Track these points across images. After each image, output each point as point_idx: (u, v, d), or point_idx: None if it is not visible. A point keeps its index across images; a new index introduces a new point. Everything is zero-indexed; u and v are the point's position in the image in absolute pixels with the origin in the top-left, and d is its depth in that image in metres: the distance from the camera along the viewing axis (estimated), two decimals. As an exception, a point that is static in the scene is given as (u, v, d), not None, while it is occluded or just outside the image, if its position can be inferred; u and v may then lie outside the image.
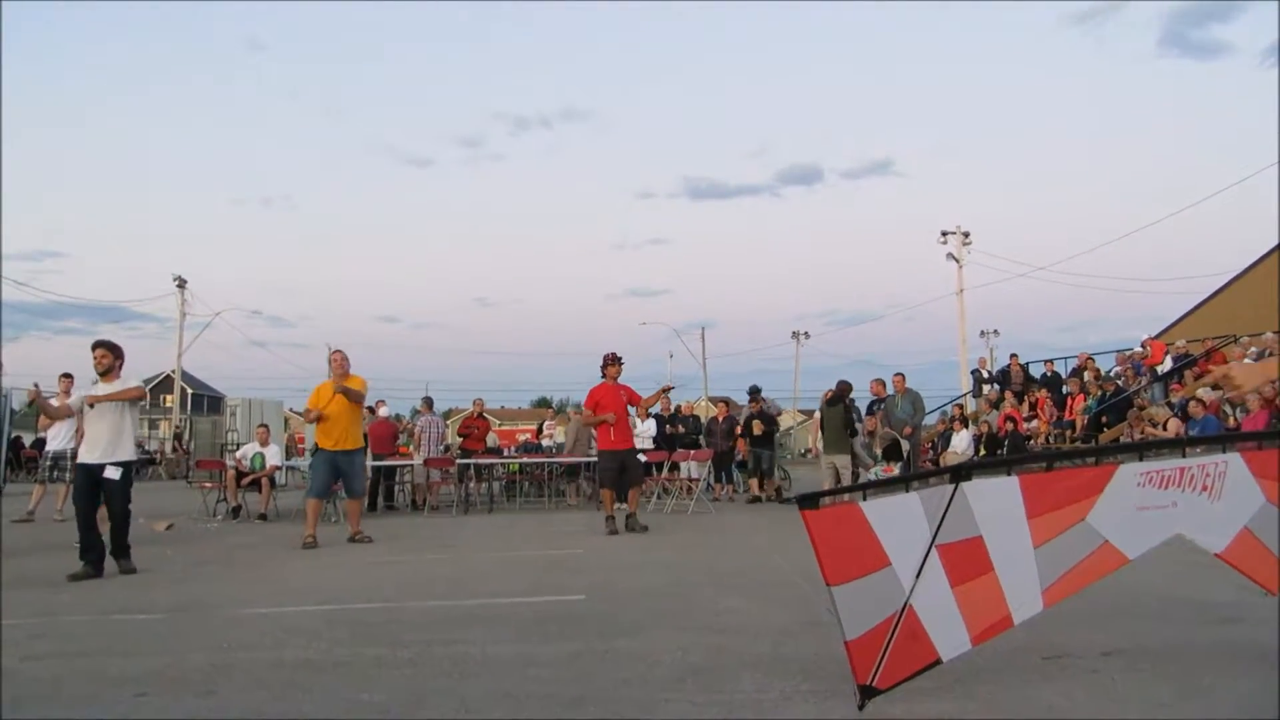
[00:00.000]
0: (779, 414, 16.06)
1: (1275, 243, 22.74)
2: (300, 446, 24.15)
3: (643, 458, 11.25)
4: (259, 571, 7.44)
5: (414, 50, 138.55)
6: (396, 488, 15.18)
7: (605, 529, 9.75)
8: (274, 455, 13.52)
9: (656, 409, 15.68)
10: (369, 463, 14.12)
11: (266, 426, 14.64)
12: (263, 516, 12.46)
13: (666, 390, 11.79)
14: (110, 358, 7.35)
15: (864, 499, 3.11)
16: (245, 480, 13.08)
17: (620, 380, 10.39)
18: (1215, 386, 14.88)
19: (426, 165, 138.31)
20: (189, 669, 4.04)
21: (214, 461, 16.05)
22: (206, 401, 57.50)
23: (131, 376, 7.50)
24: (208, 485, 13.99)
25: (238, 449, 16.07)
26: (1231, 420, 12.82)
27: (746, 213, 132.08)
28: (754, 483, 15.42)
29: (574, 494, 15.02)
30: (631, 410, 10.98)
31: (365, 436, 14.29)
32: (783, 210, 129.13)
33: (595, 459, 15.03)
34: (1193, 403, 13.17)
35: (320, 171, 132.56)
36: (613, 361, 10.35)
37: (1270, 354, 14.79)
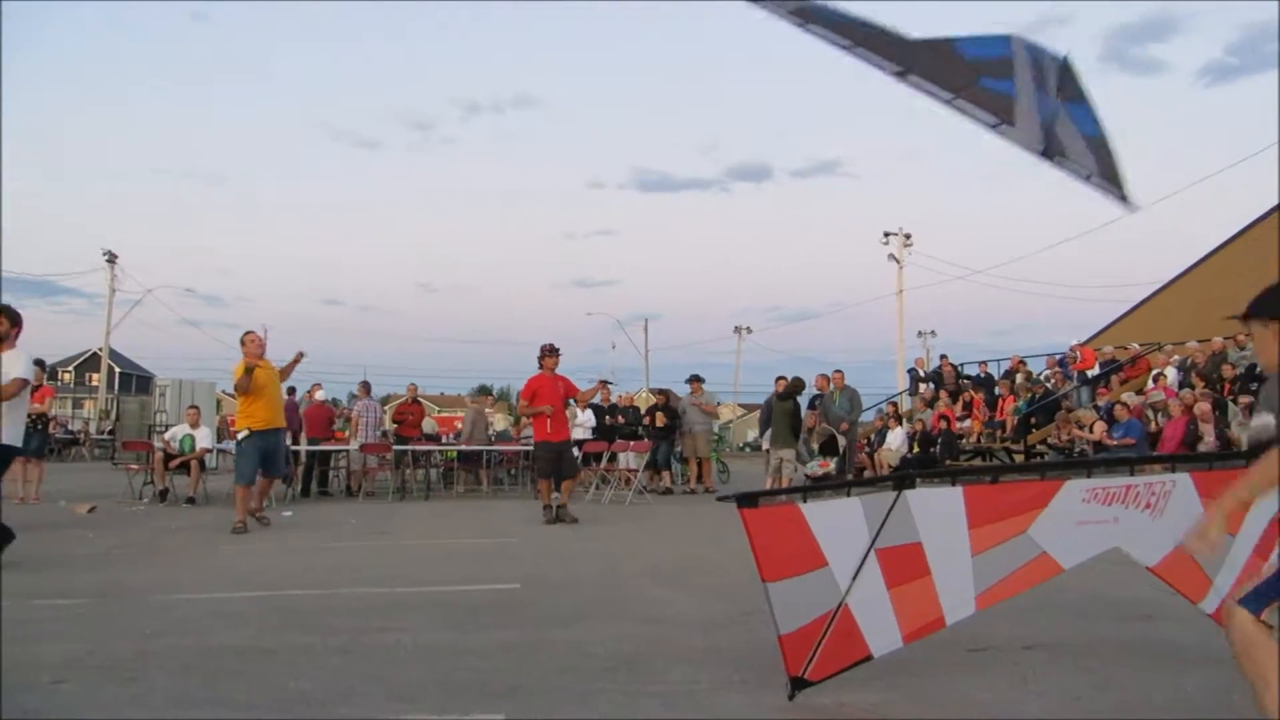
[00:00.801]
0: (717, 405, 16.12)
1: (1201, 255, 23.54)
2: (233, 430, 23.64)
3: (577, 452, 11.24)
4: (186, 556, 7.28)
5: (368, 31, 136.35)
6: (331, 473, 14.95)
7: (543, 519, 9.74)
8: (204, 438, 13.19)
9: (596, 399, 15.66)
10: (304, 447, 13.94)
11: (197, 408, 14.27)
12: (191, 500, 12.17)
13: (603, 385, 11.74)
14: (5, 324, 6.61)
15: (804, 501, 3.14)
16: (174, 463, 12.75)
17: (559, 371, 10.38)
18: (1139, 391, 15.37)
19: (375, 147, 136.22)
20: (110, 656, 3.94)
21: (141, 443, 15.63)
22: (135, 381, 55.97)
23: (21, 356, 6.63)
24: (134, 467, 13.63)
25: (166, 430, 15.67)
26: (1153, 424, 13.24)
27: (695, 207, 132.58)
28: (649, 474, 15.33)
29: (464, 481, 14.99)
30: (570, 401, 10.96)
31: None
32: (731, 206, 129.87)
33: (495, 449, 15.12)
34: (1118, 406, 13.57)
35: (265, 149, 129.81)
36: (550, 353, 10.30)
37: (1192, 362, 15.33)
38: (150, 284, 40.25)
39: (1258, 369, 13.19)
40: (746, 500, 3.10)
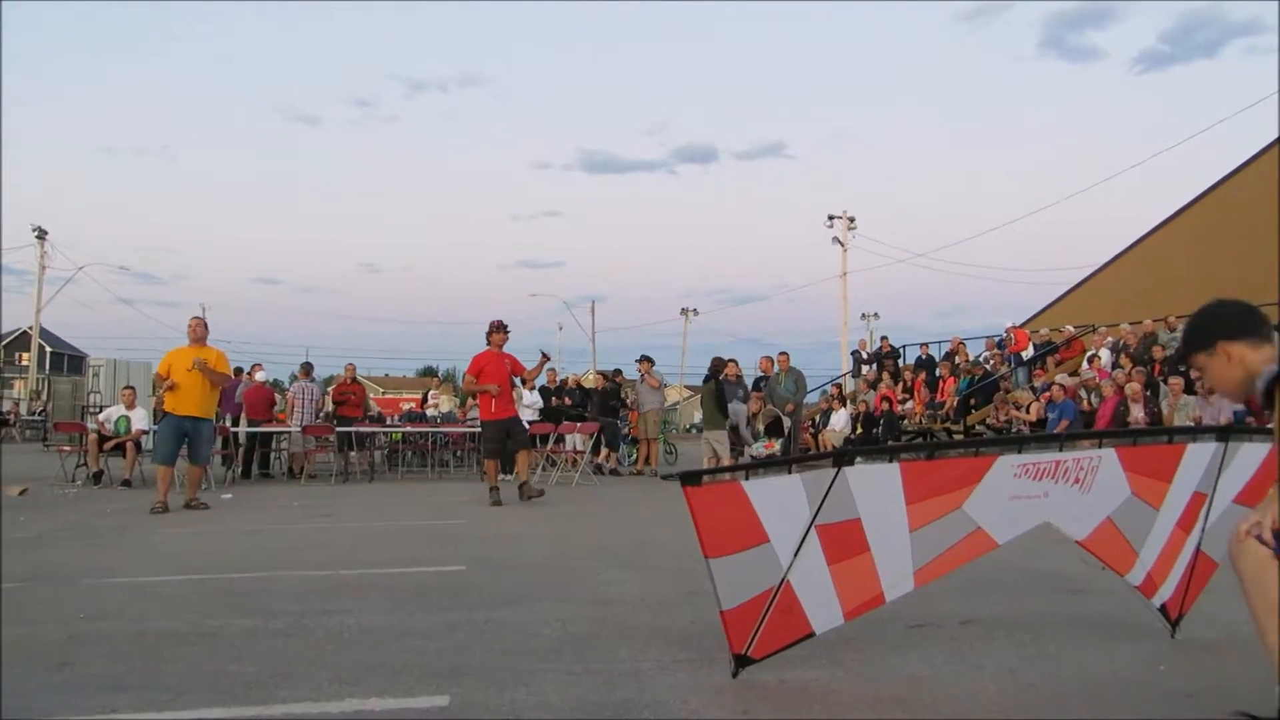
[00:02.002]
0: (664, 386, 16.16)
1: (1134, 239, 24.16)
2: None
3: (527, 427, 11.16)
4: (122, 540, 7.11)
5: (309, 4, 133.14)
6: (272, 455, 14.71)
7: (489, 500, 9.69)
8: (140, 419, 12.88)
9: (543, 379, 15.60)
10: (244, 429, 13.68)
11: (133, 388, 13.93)
12: (126, 483, 11.89)
13: (545, 358, 11.59)
14: None
15: (746, 478, 3.17)
16: (108, 444, 12.45)
17: (505, 350, 10.27)
18: (1073, 373, 15.74)
19: (315, 123, 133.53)
20: (42, 641, 3.85)
21: (74, 424, 15.23)
22: (67, 361, 54.36)
23: None
24: (66, 449, 13.29)
25: (100, 411, 15.27)
26: (1086, 404, 13.59)
27: (642, 188, 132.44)
28: (599, 454, 15.37)
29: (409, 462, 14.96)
30: (517, 381, 10.87)
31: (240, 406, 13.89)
32: (677, 188, 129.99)
33: (440, 430, 15.02)
34: (1054, 387, 13.91)
35: (202, 122, 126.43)
36: (498, 329, 10.14)
37: (1124, 343, 15.74)
38: (82, 261, 39.09)
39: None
40: (690, 478, 3.11)
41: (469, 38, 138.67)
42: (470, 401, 15.90)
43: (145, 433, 12.69)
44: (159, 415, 10.81)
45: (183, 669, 3.46)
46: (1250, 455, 3.76)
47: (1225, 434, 3.70)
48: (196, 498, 9.36)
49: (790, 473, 3.20)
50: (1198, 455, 3.65)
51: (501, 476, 10.01)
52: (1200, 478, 3.68)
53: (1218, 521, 3.79)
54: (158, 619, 4.28)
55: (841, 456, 3.22)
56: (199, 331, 9.55)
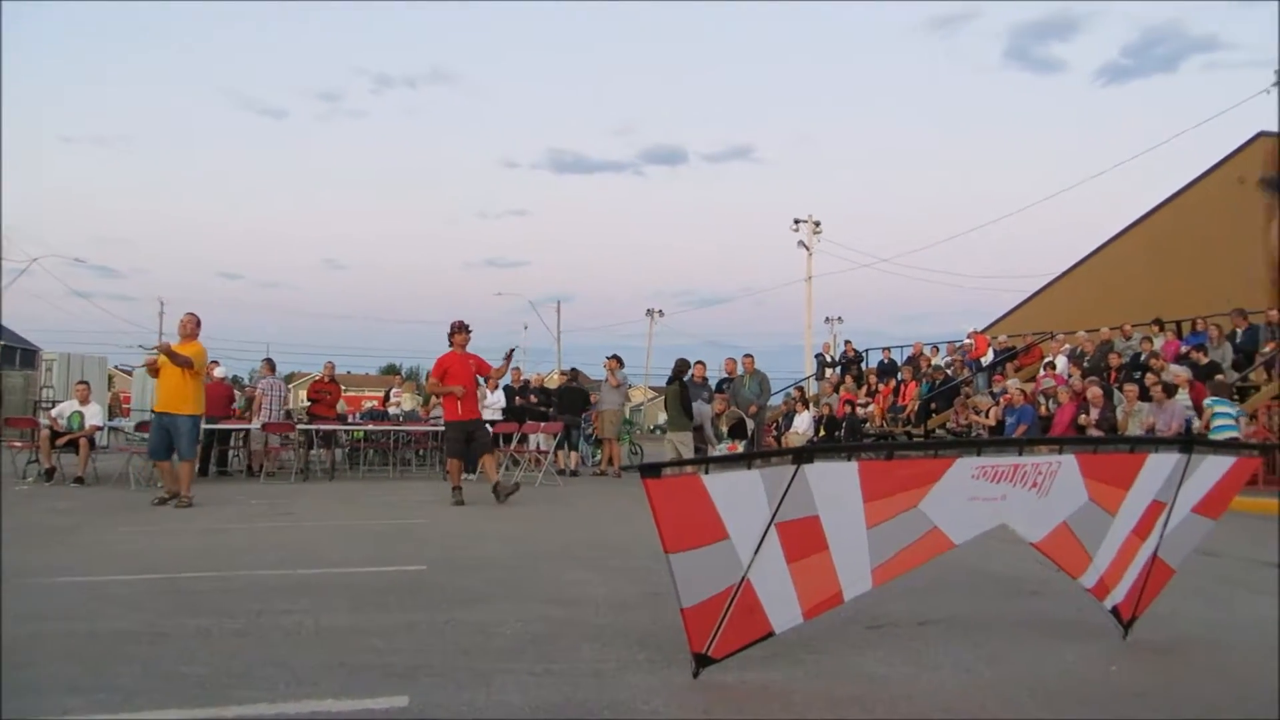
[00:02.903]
0: (625, 386, 16.17)
1: (1092, 248, 24.57)
2: (125, 406, 22.71)
3: (490, 429, 11.11)
4: (74, 538, 6.98)
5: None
6: (231, 452, 14.51)
7: (451, 500, 9.64)
8: (94, 415, 12.63)
9: (507, 379, 15.54)
10: (202, 425, 13.46)
11: (87, 383, 13.65)
12: (80, 480, 11.68)
13: (510, 355, 11.47)
14: None
15: (706, 472, 3.17)
16: (61, 440, 12.21)
17: (470, 349, 10.22)
18: (1031, 378, 15.96)
19: (280, 116, 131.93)
20: (-10, 640, 3.76)
21: (26, 420, 14.91)
22: (19, 354, 53.17)
23: None
24: (17, 445, 13.02)
25: (53, 407, 14.96)
26: (1044, 409, 13.80)
27: (609, 189, 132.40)
28: (560, 455, 15.31)
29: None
30: (481, 381, 10.82)
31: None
32: (645, 189, 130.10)
33: (403, 429, 14.94)
34: (1013, 391, 14.10)
35: (164, 114, 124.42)
36: (460, 329, 10.08)
37: (1081, 350, 16.01)
38: (36, 252, 38.27)
39: (1142, 357, 13.88)
40: (650, 470, 3.11)
41: (438, 35, 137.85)
42: (434, 400, 15.79)
43: (100, 428, 12.45)
44: (114, 412, 10.73)
45: (136, 670, 3.40)
46: (1212, 467, 3.84)
47: (1189, 446, 3.77)
48: (180, 494, 9.24)
49: (750, 468, 3.21)
50: (1159, 465, 3.72)
51: (465, 476, 9.96)
52: (1160, 487, 3.75)
53: (1176, 530, 3.87)
54: (111, 619, 4.21)
55: (801, 454, 3.23)
56: (189, 328, 9.58)
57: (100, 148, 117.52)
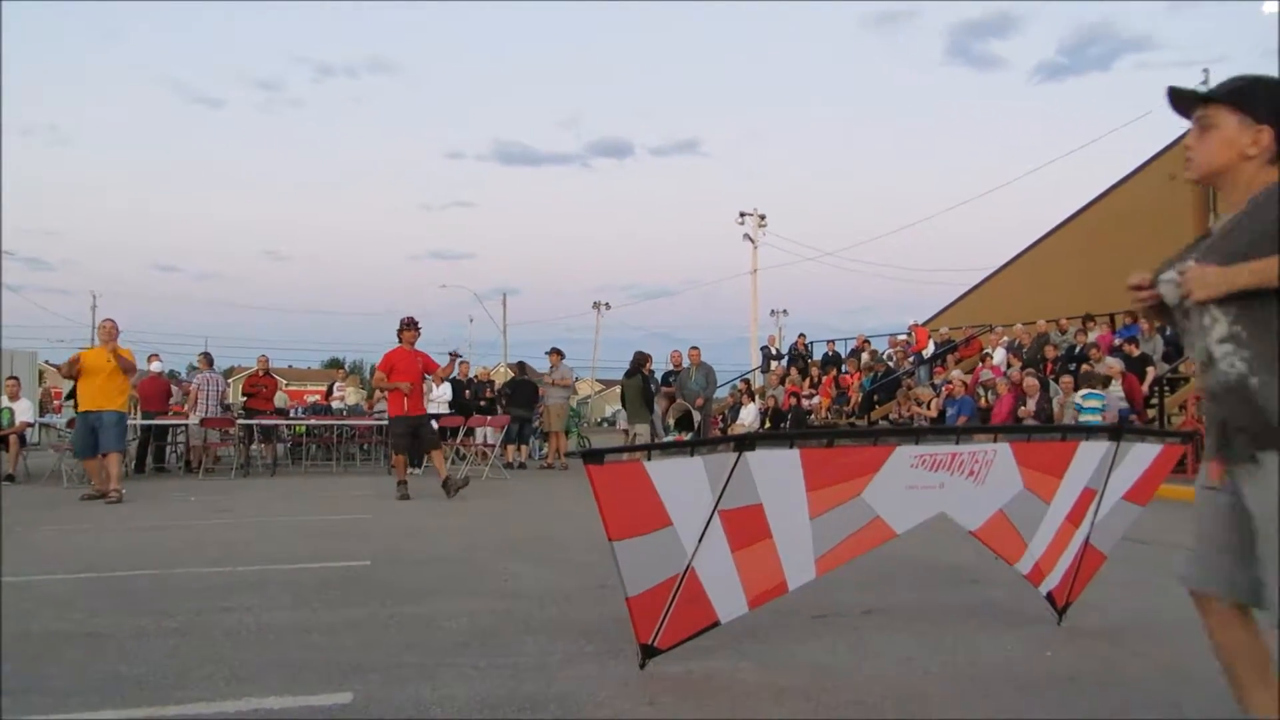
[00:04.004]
0: (574, 380, 16.17)
1: (1028, 243, 25.11)
2: (56, 403, 22.07)
3: (435, 424, 11.03)
4: (6, 537, 6.77)
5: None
6: (168, 448, 14.18)
7: (396, 494, 9.56)
8: (25, 411, 12.28)
9: (455, 373, 15.41)
10: (138, 420, 13.14)
11: (17, 379, 13.26)
12: (10, 478, 11.34)
13: (454, 357, 11.57)
14: None
15: (649, 459, 3.16)
16: (-11, 437, 11.84)
17: (416, 346, 10.18)
18: (969, 370, 16.29)
19: (217, 105, 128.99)
20: (-87, 644, 3.64)
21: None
22: (-57, 349, 51.35)
23: None
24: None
25: (-19, 403, 14.48)
26: (983, 401, 14.08)
27: (556, 181, 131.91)
28: (510, 449, 15.24)
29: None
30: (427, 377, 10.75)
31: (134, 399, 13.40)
32: (591, 181, 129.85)
33: (346, 423, 14.78)
34: (953, 383, 14.37)
35: (97, 101, 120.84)
36: (409, 326, 10.09)
37: (1019, 343, 16.37)
38: (-39, 243, 36.96)
39: (1077, 349, 14.23)
40: (593, 457, 3.09)
41: (380, 24, 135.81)
42: (378, 394, 15.59)
43: (30, 425, 12.09)
44: (45, 408, 10.52)
45: (70, 670, 3.32)
46: (1141, 454, 3.95)
47: (1117, 434, 3.87)
48: (108, 490, 9.21)
49: (692, 455, 3.21)
50: (1090, 453, 3.82)
51: (412, 471, 9.88)
52: (1091, 474, 3.85)
53: (1106, 516, 3.98)
54: (43, 619, 4.10)
55: (743, 441, 3.24)
56: (113, 332, 9.66)
57: (27, 137, 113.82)
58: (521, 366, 16.73)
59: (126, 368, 9.56)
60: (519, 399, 15.55)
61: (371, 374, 11.51)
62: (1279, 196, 2.07)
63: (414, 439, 9.98)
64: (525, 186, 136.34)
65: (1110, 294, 18.26)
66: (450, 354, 11.38)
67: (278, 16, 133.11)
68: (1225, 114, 2.18)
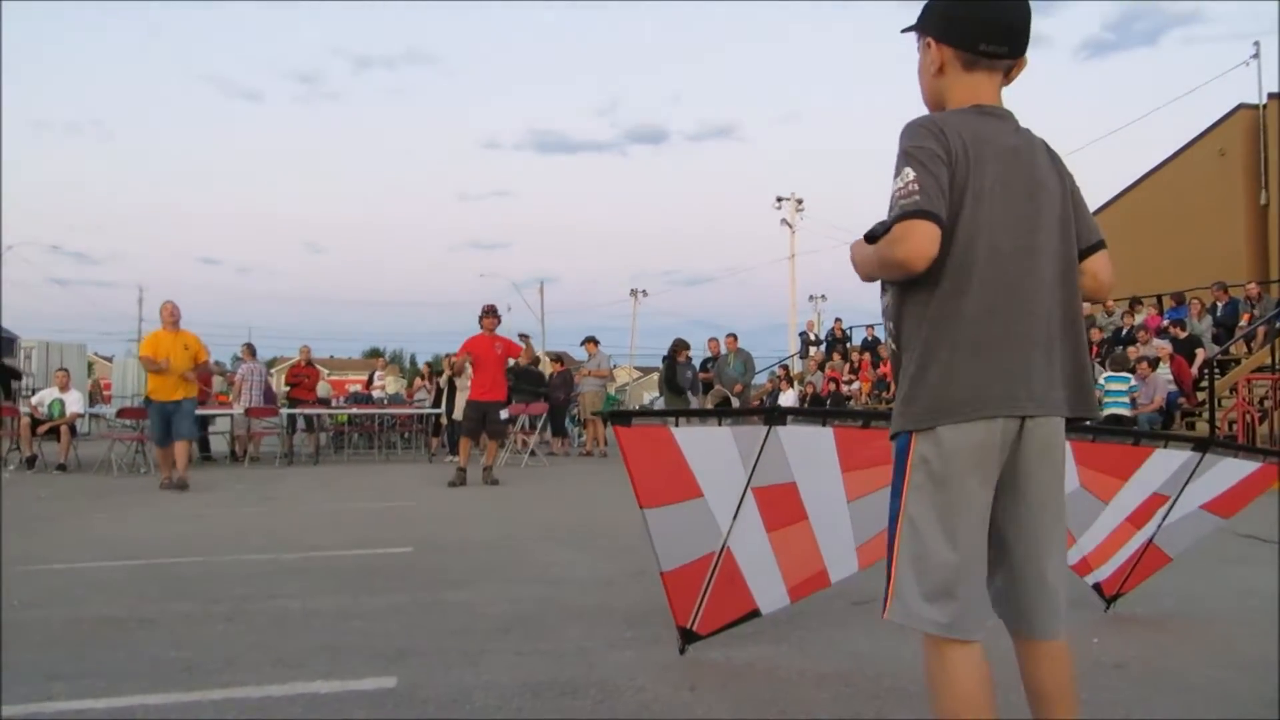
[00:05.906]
0: (612, 368, 16.22)
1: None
2: (106, 393, 22.55)
3: (505, 414, 11.14)
4: (56, 525, 6.94)
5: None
6: (213, 437, 14.43)
7: (452, 478, 9.72)
8: (75, 402, 12.55)
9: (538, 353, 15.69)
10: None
11: (67, 371, 13.56)
12: (61, 467, 11.61)
13: (526, 338, 11.87)
14: None
15: (675, 424, 3.09)
16: (42, 429, 12.12)
17: (498, 333, 10.38)
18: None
19: (257, 99, 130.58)
20: (-28, 629, 3.74)
21: (5, 408, 14.76)
22: (-2, 343, 52.67)
23: None
24: (-2, 433, 12.91)
25: (33, 395, 14.82)
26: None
27: (592, 169, 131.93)
28: (546, 438, 15.28)
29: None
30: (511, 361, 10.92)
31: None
32: (628, 168, 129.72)
33: (388, 412, 14.98)
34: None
35: (139, 96, 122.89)
36: (489, 314, 10.31)
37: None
38: (10, 240, 37.88)
39: (1124, 332, 13.94)
40: (619, 418, 3.06)
41: (418, 15, 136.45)
42: (419, 381, 15.77)
43: (80, 416, 12.36)
44: (94, 398, 10.77)
45: (120, 655, 3.39)
46: (1229, 469, 3.80)
47: (1204, 446, 3.74)
48: (171, 477, 9.44)
49: (720, 425, 3.15)
50: (1164, 461, 3.69)
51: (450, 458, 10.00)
52: (1164, 482, 3.73)
53: (1178, 522, 3.86)
54: (94, 605, 4.19)
55: (771, 414, 3.14)
56: (176, 315, 9.80)
57: (73, 134, 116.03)
58: (560, 359, 16.82)
59: (204, 373, 9.88)
60: (522, 388, 15.51)
61: (411, 364, 11.70)
62: None
63: (483, 423, 10.15)
64: (562, 175, 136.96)
65: (1159, 273, 17.93)
66: (520, 335, 11.58)
67: (315, 9, 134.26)
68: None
